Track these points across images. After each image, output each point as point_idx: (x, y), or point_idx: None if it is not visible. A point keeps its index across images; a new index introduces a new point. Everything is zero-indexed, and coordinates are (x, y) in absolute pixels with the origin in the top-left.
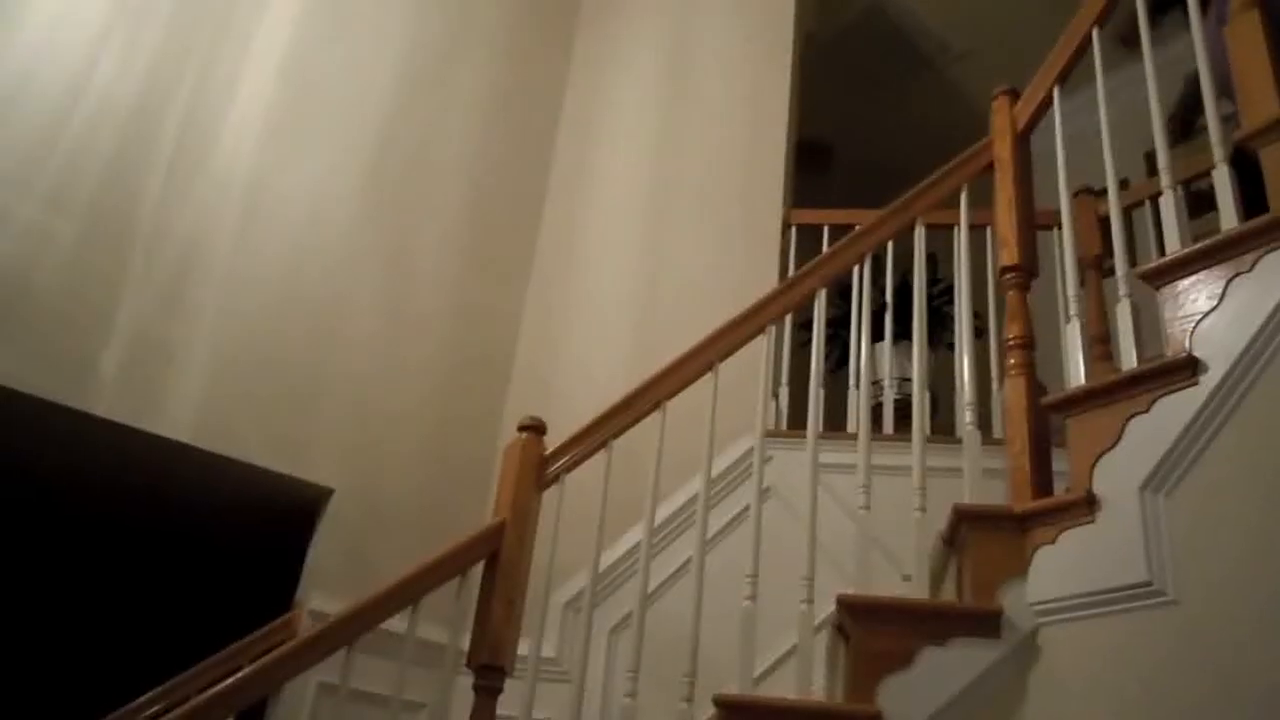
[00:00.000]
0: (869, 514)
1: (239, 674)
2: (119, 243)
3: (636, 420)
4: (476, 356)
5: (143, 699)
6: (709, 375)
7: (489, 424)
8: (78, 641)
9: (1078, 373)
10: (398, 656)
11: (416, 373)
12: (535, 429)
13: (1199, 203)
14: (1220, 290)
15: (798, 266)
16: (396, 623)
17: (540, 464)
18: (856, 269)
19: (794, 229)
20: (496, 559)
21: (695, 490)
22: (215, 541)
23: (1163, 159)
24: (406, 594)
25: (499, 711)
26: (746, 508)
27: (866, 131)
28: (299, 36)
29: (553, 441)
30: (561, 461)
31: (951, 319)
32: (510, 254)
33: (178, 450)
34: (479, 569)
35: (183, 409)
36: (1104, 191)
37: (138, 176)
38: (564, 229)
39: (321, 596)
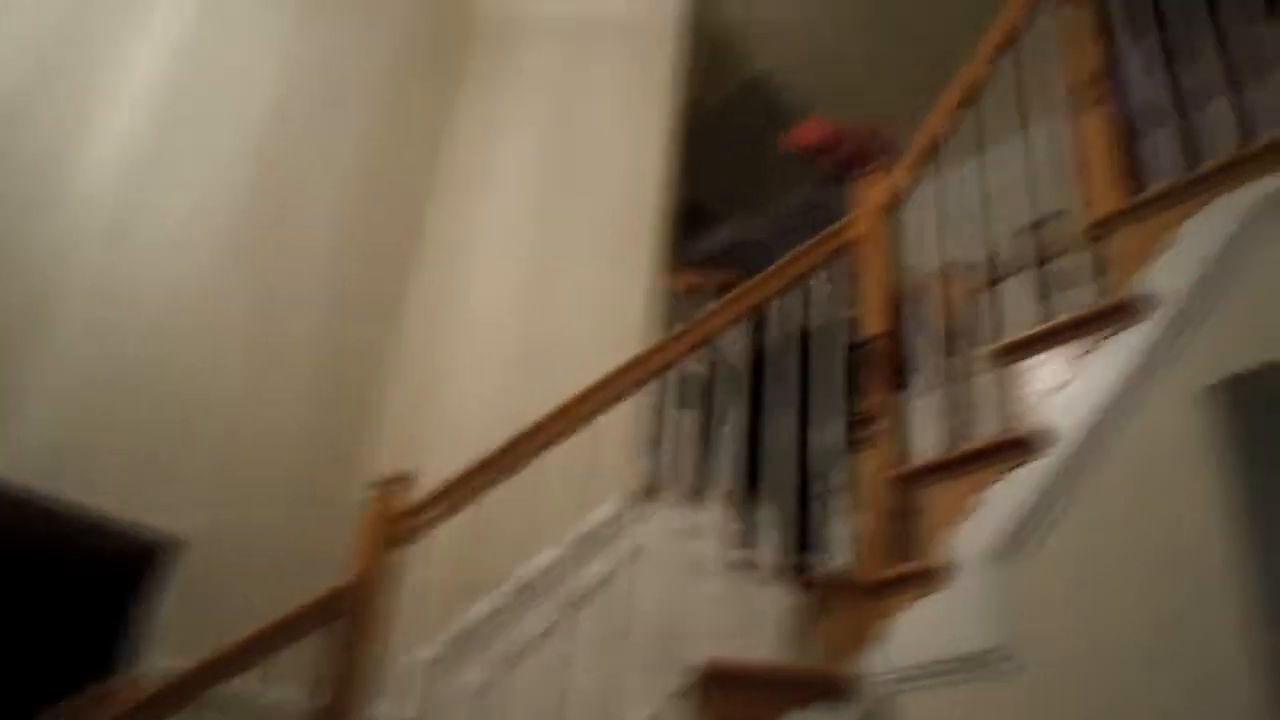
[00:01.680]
0: (737, 576)
1: None
2: None
3: (505, 476)
4: (346, 405)
5: None
6: (581, 434)
7: (358, 473)
8: None
9: (932, 444)
10: (244, 718)
11: (282, 420)
12: (397, 482)
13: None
14: (1068, 368)
15: (672, 328)
16: (244, 683)
17: (402, 519)
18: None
19: (669, 291)
20: (349, 617)
21: (563, 550)
22: (54, 593)
23: (1018, 243)
24: (252, 653)
25: None
26: (621, 563)
27: (750, 198)
28: (170, 71)
29: (420, 493)
30: (425, 516)
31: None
32: (384, 305)
33: (12, 495)
34: (330, 628)
35: (26, 451)
36: (970, 267)
37: None
38: (440, 285)
39: (170, 653)
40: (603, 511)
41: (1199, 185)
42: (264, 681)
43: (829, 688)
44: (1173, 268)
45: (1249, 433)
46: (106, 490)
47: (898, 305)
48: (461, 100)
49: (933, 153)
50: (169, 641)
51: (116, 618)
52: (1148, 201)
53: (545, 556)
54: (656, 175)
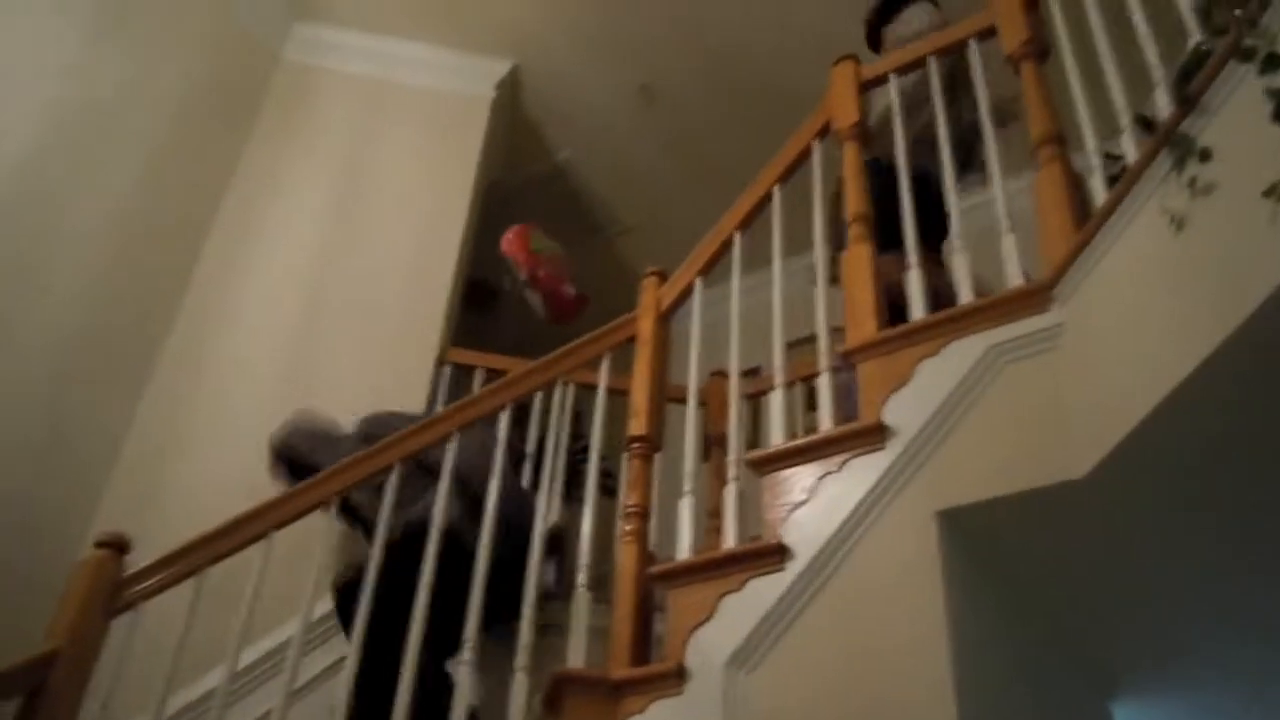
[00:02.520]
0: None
1: None
2: None
3: (237, 549)
4: (73, 458)
5: None
6: (319, 510)
7: (73, 533)
8: None
9: (684, 546)
10: None
11: None
12: (115, 545)
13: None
14: (812, 485)
15: (448, 404)
16: None
17: (116, 586)
18: (502, 416)
19: (449, 367)
20: (43, 692)
21: (290, 634)
22: None
23: (777, 359)
24: None
25: None
26: (343, 658)
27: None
28: None
29: (140, 560)
30: (143, 585)
31: (586, 475)
32: (129, 360)
33: None
34: (19, 702)
35: None
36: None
37: None
38: (197, 340)
39: None
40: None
41: (938, 328)
42: None
43: None
44: (910, 401)
45: (969, 558)
46: None
47: (663, 407)
48: (250, 149)
49: (712, 265)
50: None
51: None
52: (894, 337)
53: (268, 641)
54: (450, 248)
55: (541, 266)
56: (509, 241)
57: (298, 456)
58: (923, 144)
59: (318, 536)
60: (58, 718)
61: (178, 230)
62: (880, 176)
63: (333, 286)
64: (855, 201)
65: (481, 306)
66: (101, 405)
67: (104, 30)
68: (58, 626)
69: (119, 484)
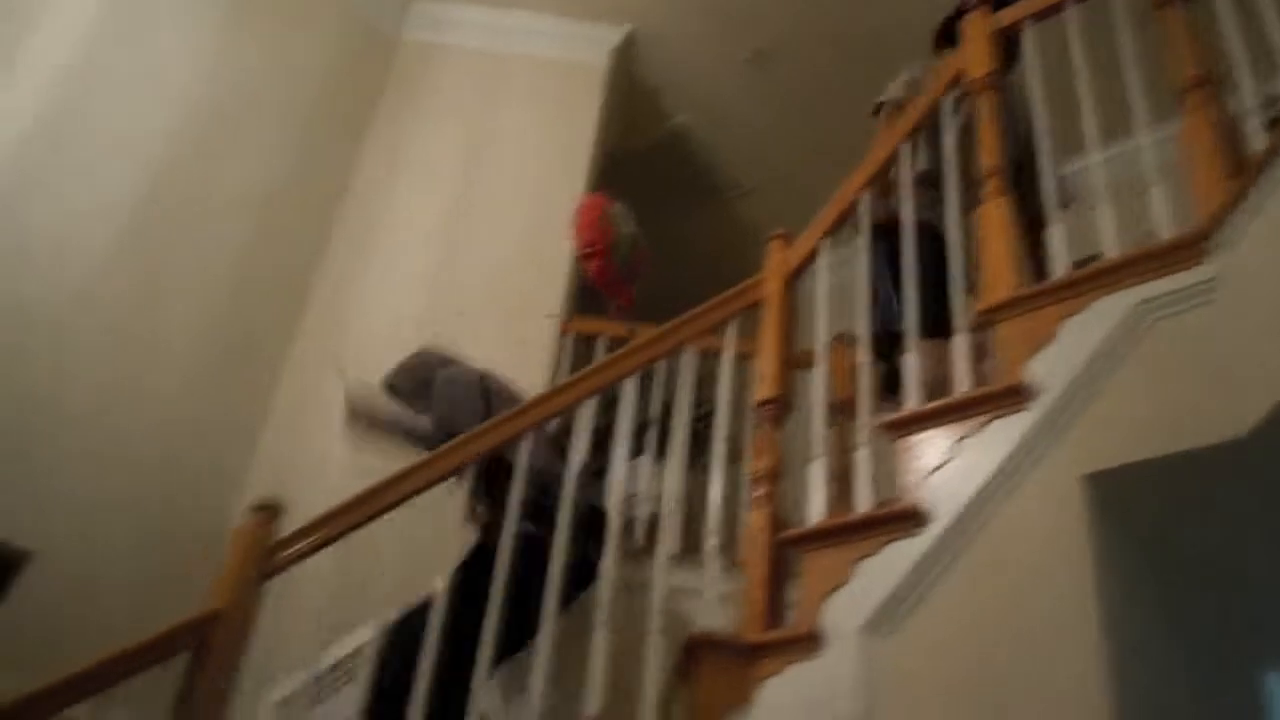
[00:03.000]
0: (609, 630)
1: None
2: None
3: (380, 513)
4: (223, 426)
5: None
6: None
7: (229, 498)
8: None
9: (816, 510)
10: None
11: (150, 436)
12: (269, 511)
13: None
14: (950, 448)
15: (570, 374)
16: (86, 710)
17: (270, 550)
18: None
19: (572, 337)
20: (207, 649)
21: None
22: None
23: (910, 320)
24: (98, 679)
25: None
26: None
27: (654, 250)
28: (82, 57)
29: (290, 525)
30: (293, 549)
31: (710, 443)
32: (271, 339)
33: None
34: (185, 658)
35: None
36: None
37: None
38: (332, 320)
39: (11, 669)
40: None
41: (1084, 284)
42: (108, 710)
43: None
44: (1055, 360)
45: (1117, 522)
46: None
47: (791, 370)
48: (376, 127)
49: (838, 225)
50: (13, 660)
51: None
52: (1035, 294)
53: (412, 598)
54: (569, 219)
55: (600, 253)
56: (582, 210)
57: (399, 395)
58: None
59: (456, 500)
60: (221, 673)
61: (312, 207)
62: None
63: (458, 259)
64: (990, 153)
65: None
66: (248, 372)
67: (236, 21)
68: (218, 588)
69: (267, 448)
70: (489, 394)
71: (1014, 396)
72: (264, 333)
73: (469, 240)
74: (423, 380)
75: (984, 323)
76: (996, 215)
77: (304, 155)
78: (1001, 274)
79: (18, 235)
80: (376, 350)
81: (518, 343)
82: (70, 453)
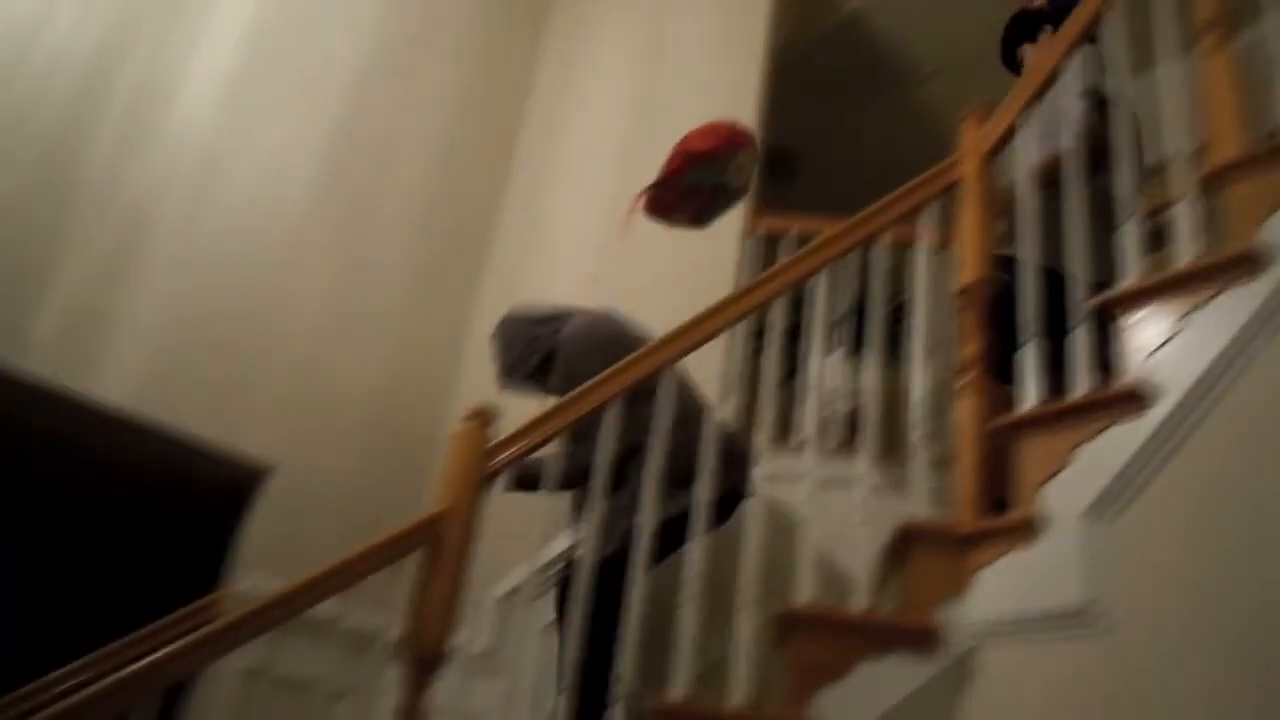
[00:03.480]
0: (814, 526)
1: (161, 652)
2: (61, 201)
3: (588, 415)
4: (429, 340)
5: (64, 670)
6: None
7: (438, 407)
8: None
9: (1029, 396)
10: (326, 642)
11: (365, 352)
12: (482, 416)
13: (1156, 237)
14: (1175, 324)
15: (757, 273)
16: (327, 608)
17: (486, 454)
18: (819, 279)
19: (755, 235)
20: (436, 548)
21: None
22: (147, 514)
23: (1125, 191)
24: (340, 579)
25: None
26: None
27: (834, 142)
28: (265, 6)
29: (502, 429)
30: (508, 453)
31: (904, 337)
32: (469, 244)
33: (113, 418)
34: (416, 557)
35: (121, 376)
36: None
37: (87, 133)
38: (524, 225)
39: (255, 576)
40: None
41: None
42: (350, 606)
43: (910, 637)
44: None
45: None
46: (199, 416)
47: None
48: (549, 42)
49: (1037, 99)
50: (259, 563)
51: (221, 539)
52: (1269, 152)
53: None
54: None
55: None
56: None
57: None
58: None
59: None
60: (450, 569)
61: (494, 123)
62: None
63: (638, 165)
64: (1207, 5)
65: (783, 174)
66: (453, 284)
67: None
68: (443, 490)
69: (473, 359)
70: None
71: (1247, 264)
72: (461, 248)
73: (648, 147)
74: (537, 350)
75: (1212, 186)
76: (1220, 67)
77: (482, 74)
78: (1228, 130)
79: (229, 175)
80: (561, 266)
81: (702, 247)
82: (297, 373)
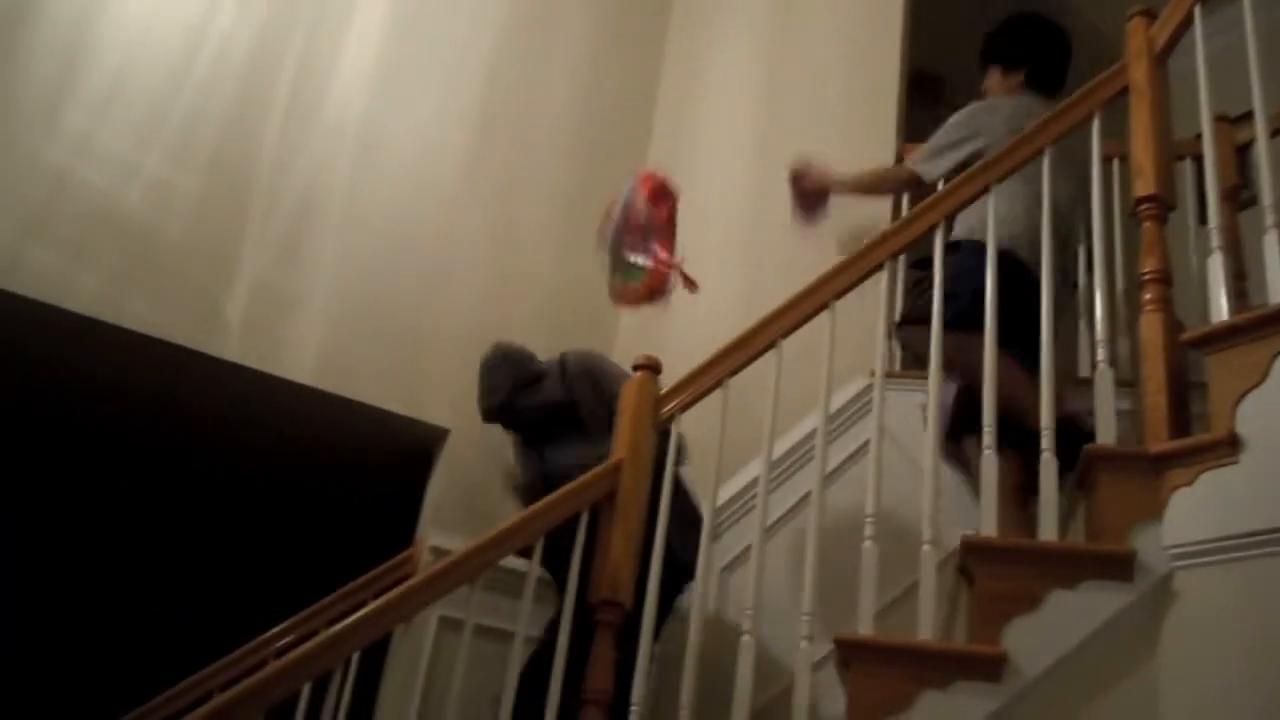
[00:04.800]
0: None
1: (368, 607)
2: (239, 194)
3: (751, 360)
4: (585, 297)
5: (273, 631)
6: (824, 313)
7: None
8: (205, 578)
9: (1220, 308)
10: (517, 593)
11: (526, 313)
12: (650, 368)
13: None
14: None
15: (910, 205)
16: (515, 560)
17: (656, 403)
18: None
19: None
20: (614, 497)
21: (811, 426)
22: (337, 480)
23: None
24: (528, 530)
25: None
26: (864, 444)
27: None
28: None
29: (666, 382)
30: (676, 401)
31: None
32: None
33: (301, 392)
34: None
35: (304, 352)
36: (1241, 118)
37: (254, 127)
38: (668, 169)
39: (440, 534)
40: (849, 390)
41: None
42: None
43: (1103, 564)
44: None
45: None
46: (377, 386)
47: (1172, 161)
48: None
49: None
50: (442, 521)
51: (408, 500)
52: None
53: (793, 434)
54: (891, 38)
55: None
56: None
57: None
58: None
59: (822, 339)
60: (630, 514)
61: (633, 81)
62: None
63: (781, 100)
64: None
65: (930, 98)
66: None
67: None
68: (618, 441)
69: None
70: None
71: None
72: (610, 187)
73: (790, 77)
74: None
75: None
76: None
77: (619, 17)
78: None
79: (385, 155)
80: (710, 218)
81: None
82: (463, 337)
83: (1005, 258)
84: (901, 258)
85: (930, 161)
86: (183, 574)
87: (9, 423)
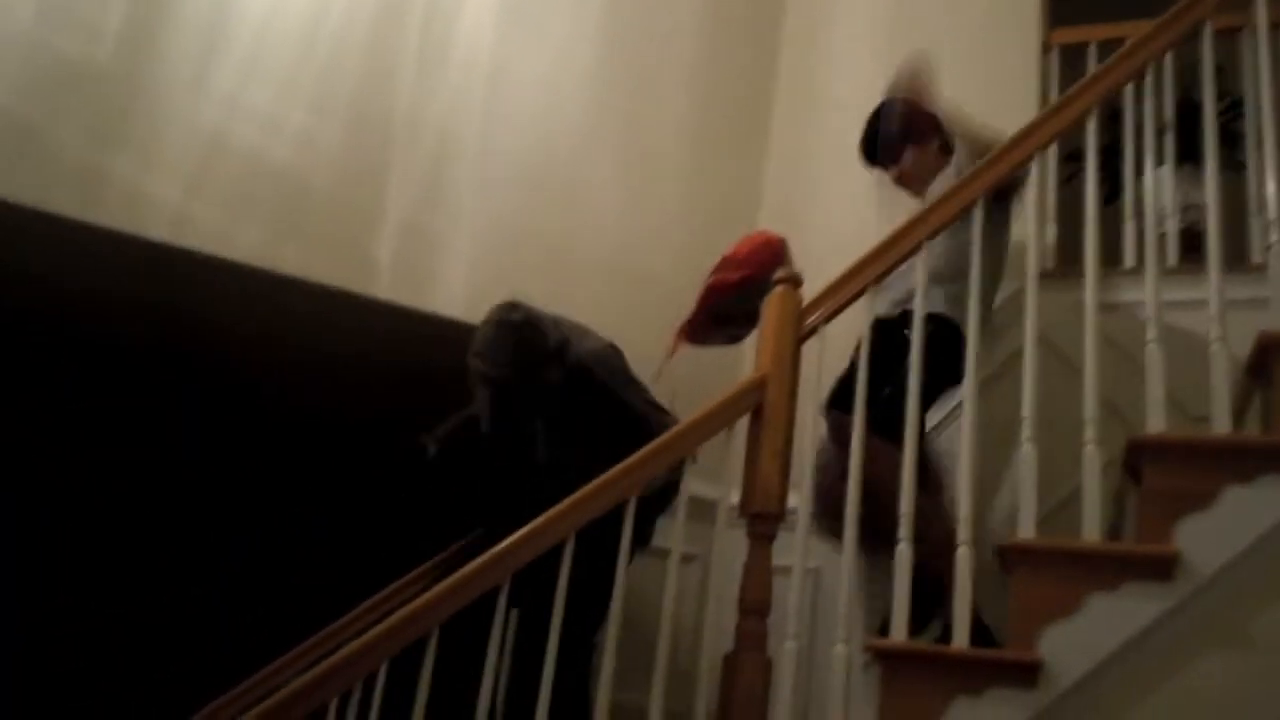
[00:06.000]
0: (1156, 349)
1: (528, 526)
2: (379, 137)
3: (895, 265)
4: (722, 216)
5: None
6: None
7: None
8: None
9: None
10: (671, 511)
11: (661, 237)
12: (791, 281)
13: None
14: None
15: (1060, 92)
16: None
17: (799, 316)
18: (1130, 87)
19: (1054, 51)
20: (761, 412)
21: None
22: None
23: None
24: (677, 449)
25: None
26: (1019, 349)
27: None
28: None
29: (806, 295)
30: (820, 312)
31: (1241, 137)
32: (746, 114)
33: (449, 327)
34: (744, 423)
35: (450, 290)
36: None
37: (389, 71)
38: (801, 78)
39: None
40: (1001, 293)
41: None
42: (691, 476)
43: None
44: None
45: None
46: None
47: None
48: None
49: None
50: None
51: None
52: None
53: None
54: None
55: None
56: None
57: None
58: None
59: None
60: (777, 427)
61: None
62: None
63: (909, 13)
64: None
65: None
66: (736, 168)
67: None
68: (761, 356)
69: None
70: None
71: None
72: (740, 122)
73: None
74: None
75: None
76: None
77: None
78: None
79: (516, 89)
80: (847, 129)
81: (995, 65)
82: (602, 266)
83: (944, 324)
84: (1053, 148)
85: None
86: (333, 522)
87: (173, 372)
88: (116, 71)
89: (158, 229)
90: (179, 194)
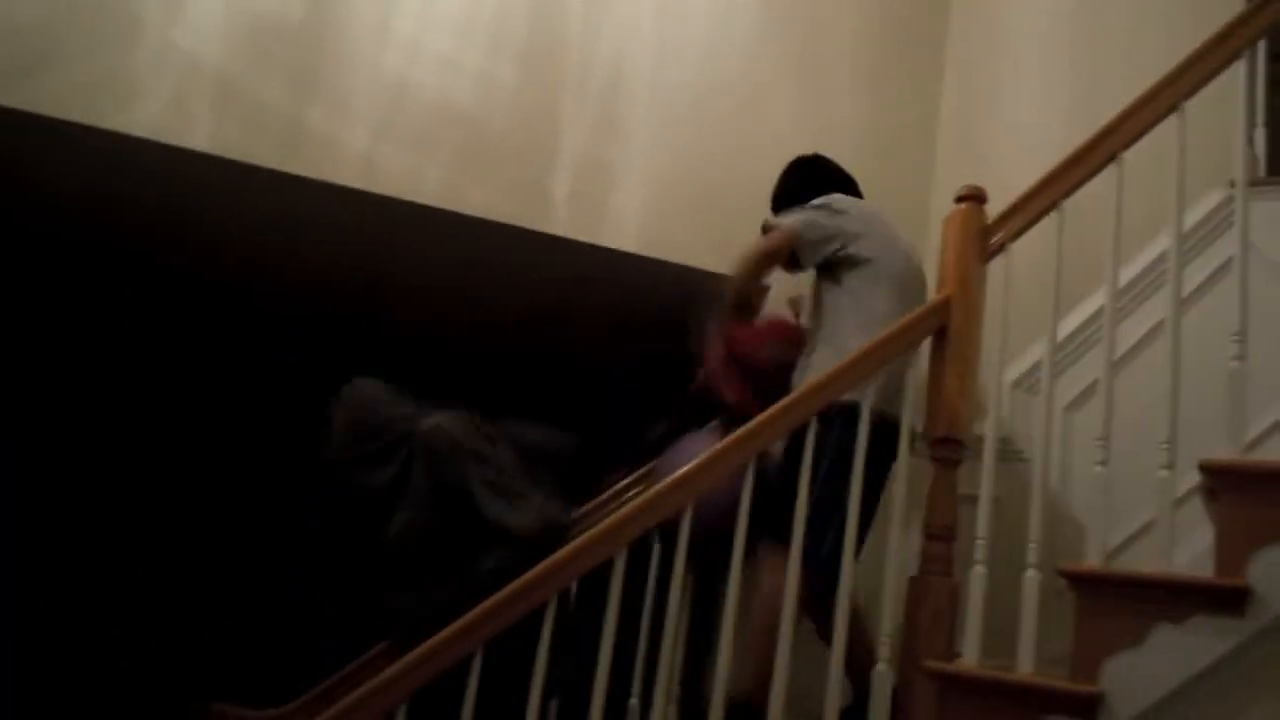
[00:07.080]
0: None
1: (731, 437)
2: (552, 75)
3: (1088, 177)
4: (895, 139)
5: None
6: (1171, 118)
7: (916, 203)
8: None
9: None
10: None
11: (836, 154)
12: (975, 198)
13: None
14: None
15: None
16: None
17: (983, 234)
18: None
19: None
20: (945, 333)
21: (1161, 248)
22: (666, 344)
23: None
24: (862, 369)
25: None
26: (1227, 262)
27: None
28: None
29: (991, 211)
30: (1005, 230)
31: None
32: (921, 26)
33: (626, 260)
34: (928, 345)
35: (626, 221)
36: None
37: (559, 7)
38: (979, 12)
39: None
40: (1202, 206)
41: None
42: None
43: None
44: None
45: None
46: (696, 251)
47: None
48: None
49: None
50: None
51: None
52: None
53: (1140, 259)
54: None
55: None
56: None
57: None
58: None
59: (1168, 149)
60: (962, 349)
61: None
62: None
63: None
64: None
65: None
66: (909, 81)
67: None
68: (945, 276)
69: (946, 146)
70: None
71: None
72: (916, 44)
73: None
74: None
75: None
76: None
77: None
78: None
79: (684, 18)
80: (1027, 57)
81: None
82: (765, 214)
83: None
84: (1261, 44)
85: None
86: None
87: (361, 312)
88: (308, 25)
89: (349, 176)
90: (367, 140)
